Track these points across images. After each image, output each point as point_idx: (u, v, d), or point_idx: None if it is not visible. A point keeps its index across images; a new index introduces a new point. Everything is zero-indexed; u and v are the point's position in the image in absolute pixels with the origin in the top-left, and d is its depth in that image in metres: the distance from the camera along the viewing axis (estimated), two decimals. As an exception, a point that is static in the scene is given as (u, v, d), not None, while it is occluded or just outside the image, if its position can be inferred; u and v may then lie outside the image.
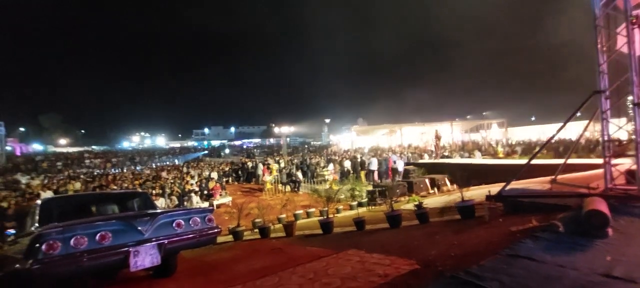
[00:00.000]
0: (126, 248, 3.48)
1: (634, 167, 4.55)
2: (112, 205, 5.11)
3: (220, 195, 15.47)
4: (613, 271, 2.49)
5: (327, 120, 62.17)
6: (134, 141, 67.29)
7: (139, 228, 3.64)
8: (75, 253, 3.17)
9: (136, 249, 3.55)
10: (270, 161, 23.02)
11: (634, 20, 4.32)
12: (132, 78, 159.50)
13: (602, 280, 2.40)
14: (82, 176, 22.76)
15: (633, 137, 4.76)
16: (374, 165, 17.47)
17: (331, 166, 19.35)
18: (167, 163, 28.94)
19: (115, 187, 16.66)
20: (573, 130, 11.81)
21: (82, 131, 68.61)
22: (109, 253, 3.37)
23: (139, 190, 12.51)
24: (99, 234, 3.34)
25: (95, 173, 24.99)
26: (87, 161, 34.64)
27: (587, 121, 6.21)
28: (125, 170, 25.28)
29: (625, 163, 5.48)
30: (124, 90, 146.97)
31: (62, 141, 54.05)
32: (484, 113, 41.51)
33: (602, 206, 3.48)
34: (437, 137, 20.70)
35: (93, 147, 54.16)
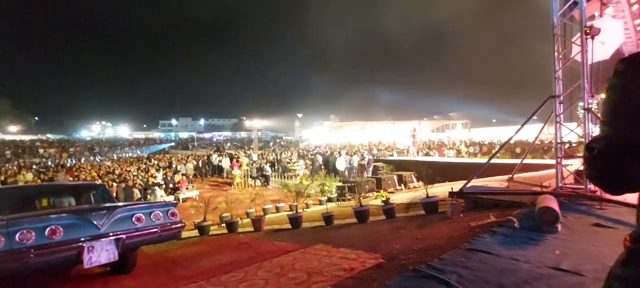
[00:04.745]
0: (79, 244, 3.27)
1: (582, 168, 4.90)
2: (66, 198, 4.79)
3: (187, 188, 14.96)
4: (561, 264, 2.68)
5: (300, 115, 62.03)
6: (94, 130, 63.35)
7: (95, 222, 3.43)
8: (20, 248, 2.93)
9: (91, 244, 3.34)
10: (241, 154, 22.59)
11: (587, 31, 4.62)
12: (93, 63, 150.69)
13: (552, 272, 2.57)
14: (34, 166, 21.19)
15: (582, 140, 5.13)
16: (340, 164, 17.46)
17: (302, 161, 19.29)
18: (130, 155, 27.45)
19: (70, 178, 15.63)
20: (529, 132, 12.60)
21: (36, 118, 63.79)
22: (59, 248, 3.14)
23: (97, 181, 11.83)
24: (48, 228, 3.11)
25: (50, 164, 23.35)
26: (40, 150, 32.26)
27: (542, 124, 6.61)
28: (82, 161, 23.70)
29: (574, 164, 5.91)
30: (84, 75, 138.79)
31: (13, 128, 49.84)
32: (450, 113, 43.15)
33: (553, 203, 3.73)
34: (414, 135, 21.47)
35: (48, 135, 50.45)
